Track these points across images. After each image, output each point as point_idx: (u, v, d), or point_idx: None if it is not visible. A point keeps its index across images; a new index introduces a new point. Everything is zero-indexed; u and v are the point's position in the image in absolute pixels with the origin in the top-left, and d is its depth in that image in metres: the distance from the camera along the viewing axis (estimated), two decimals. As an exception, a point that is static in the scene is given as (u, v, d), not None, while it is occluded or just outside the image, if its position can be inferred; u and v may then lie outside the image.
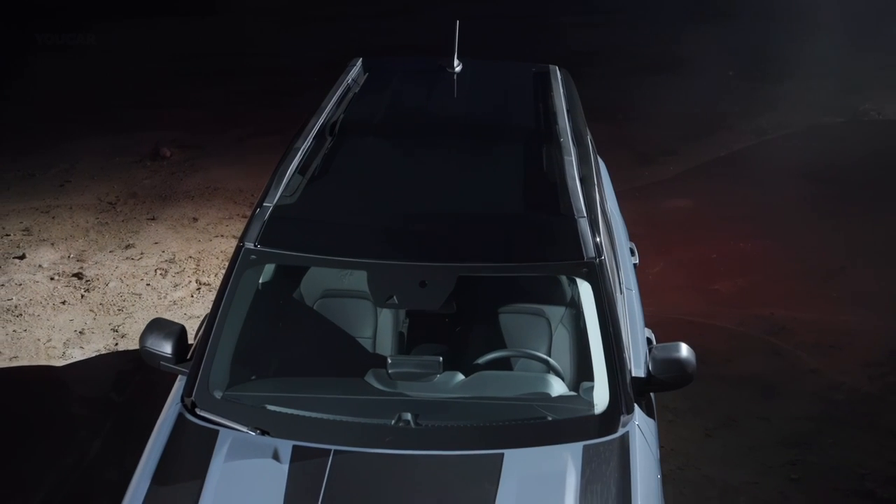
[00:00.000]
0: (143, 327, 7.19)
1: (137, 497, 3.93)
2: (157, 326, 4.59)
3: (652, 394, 4.66)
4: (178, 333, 4.56)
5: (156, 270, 8.11)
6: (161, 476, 4.00)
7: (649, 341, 5.04)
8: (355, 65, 6.27)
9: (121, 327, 7.38)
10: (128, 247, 8.51)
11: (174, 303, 7.64)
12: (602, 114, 10.33)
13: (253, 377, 4.59)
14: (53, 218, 9.00)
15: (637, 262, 6.24)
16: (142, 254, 8.39)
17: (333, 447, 4.06)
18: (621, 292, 5.18)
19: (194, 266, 8.18)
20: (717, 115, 11.51)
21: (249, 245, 4.61)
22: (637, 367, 4.63)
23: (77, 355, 7.07)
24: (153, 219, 9.02)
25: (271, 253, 4.61)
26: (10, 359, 7.00)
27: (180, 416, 4.29)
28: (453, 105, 5.98)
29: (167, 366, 4.52)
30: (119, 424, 6.36)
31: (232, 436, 4.15)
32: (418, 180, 5.13)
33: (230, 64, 13.32)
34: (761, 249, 8.68)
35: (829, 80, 12.35)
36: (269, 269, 5.02)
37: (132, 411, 6.42)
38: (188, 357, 4.55)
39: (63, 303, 7.68)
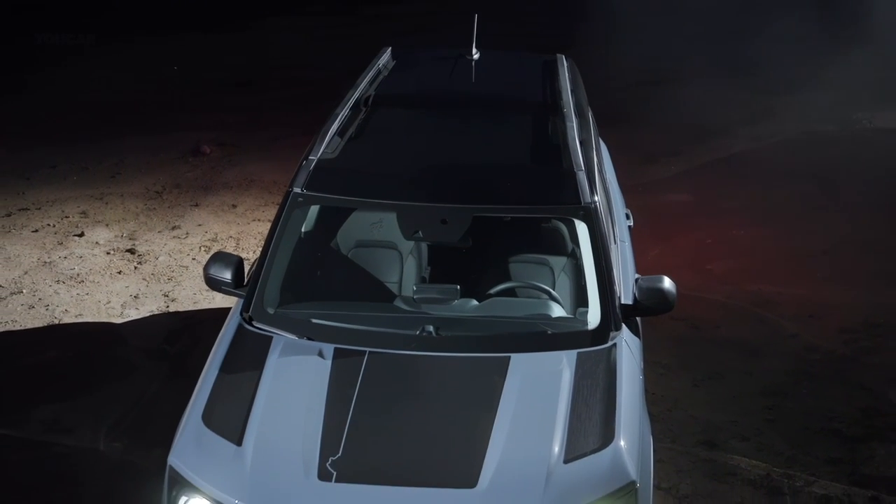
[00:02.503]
0: (190, 294, 8.19)
1: (207, 384, 4.77)
2: (220, 258, 5.44)
3: (639, 318, 5.46)
4: (237, 263, 5.40)
5: (200, 247, 8.97)
6: (227, 368, 4.84)
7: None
8: (385, 52, 7.15)
9: (170, 293, 8.22)
10: (174, 228, 9.38)
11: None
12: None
13: (299, 300, 5.40)
14: (107, 204, 9.89)
15: (632, 224, 7.05)
16: (187, 234, 9.25)
17: (368, 349, 4.89)
18: (615, 243, 6.01)
19: (234, 244, 9.02)
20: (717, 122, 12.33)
21: (297, 190, 5.46)
22: (626, 297, 5.44)
23: (133, 315, 7.92)
24: (196, 205, 9.89)
25: (315, 196, 5.46)
26: (76, 316, 7.85)
27: (240, 327, 5.13)
28: (471, 84, 6.85)
29: (227, 290, 5.36)
30: (173, 370, 7.19)
31: (284, 340, 4.98)
32: (440, 140, 5.99)
33: (263, 74, 14.23)
34: (752, 236, 9.47)
35: (828, 92, 13.12)
36: (310, 219, 5.86)
37: (184, 360, 7.25)
38: (245, 283, 5.39)
39: (119, 272, 8.54)
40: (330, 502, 4.19)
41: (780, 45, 13.97)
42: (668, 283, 5.31)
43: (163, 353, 7.40)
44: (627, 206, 7.85)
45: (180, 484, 4.39)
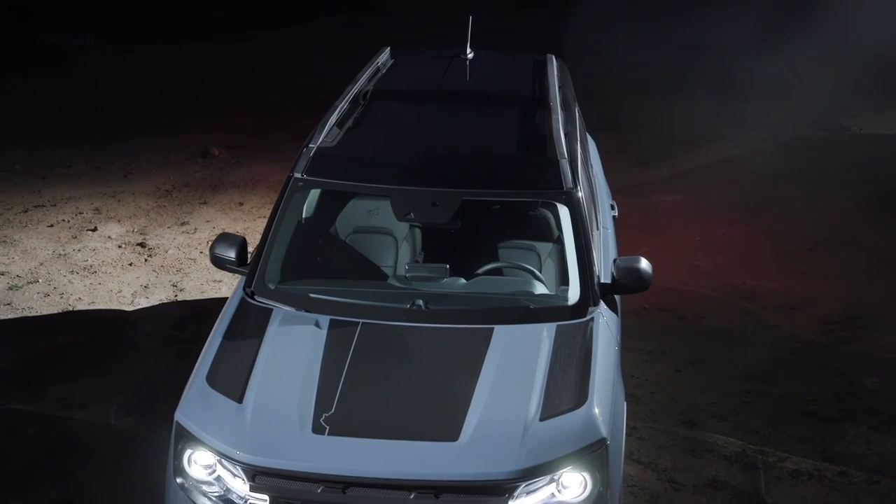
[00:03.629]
0: (198, 284, 8.57)
1: (212, 350, 5.14)
2: (225, 238, 5.81)
3: (617, 297, 5.82)
4: (241, 244, 5.77)
5: (207, 242, 9.34)
6: (230, 336, 5.21)
7: (617, 263, 6.19)
8: (384, 51, 7.54)
9: (179, 283, 8.60)
10: (183, 224, 9.77)
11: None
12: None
13: (298, 278, 5.77)
14: (119, 201, 10.29)
15: (616, 214, 7.42)
16: (195, 229, 9.63)
17: (362, 320, 5.25)
18: (598, 229, 6.38)
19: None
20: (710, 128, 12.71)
21: (297, 175, 5.84)
22: (605, 277, 5.79)
23: (143, 303, 8.30)
24: (204, 203, 10.28)
25: (314, 181, 5.84)
26: (89, 303, 8.24)
27: (242, 301, 5.50)
28: (464, 80, 7.24)
29: (231, 268, 5.73)
30: (180, 353, 7.54)
31: (283, 312, 5.35)
32: (433, 130, 6.37)
33: (271, 81, 14.65)
34: (740, 234, 9.82)
35: (821, 100, 13.49)
36: (310, 205, 6.23)
37: (190, 345, 7.58)
38: (247, 262, 5.76)
39: (130, 264, 8.93)
40: (322, 453, 4.55)
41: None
42: (644, 263, 5.65)
43: (171, 338, 7.76)
44: (620, 204, 8.20)
45: (185, 438, 4.75)
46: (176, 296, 8.42)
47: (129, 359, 7.48)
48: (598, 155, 8.17)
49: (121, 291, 8.45)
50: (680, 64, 14.50)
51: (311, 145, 5.97)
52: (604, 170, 9.18)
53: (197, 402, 4.85)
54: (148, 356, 7.51)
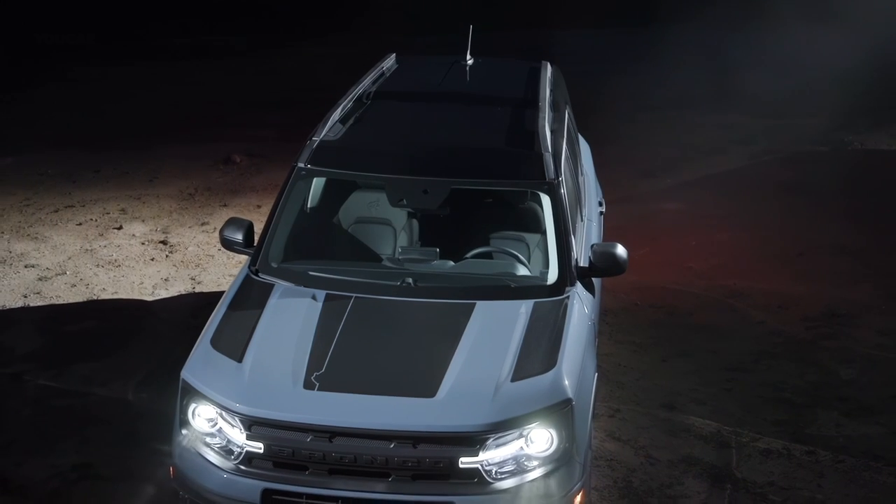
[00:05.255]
0: (215, 278, 9.11)
1: (216, 318, 5.66)
2: (233, 222, 6.33)
3: (595, 280, 6.27)
4: (248, 227, 6.29)
5: (226, 241, 9.88)
6: (233, 306, 5.74)
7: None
8: (390, 57, 8.07)
9: (197, 277, 9.13)
10: (203, 224, 10.31)
11: (240, 262, 9.36)
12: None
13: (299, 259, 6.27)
14: (144, 203, 10.86)
15: (603, 210, 7.88)
16: (215, 229, 10.17)
17: (355, 294, 5.75)
18: (582, 220, 6.86)
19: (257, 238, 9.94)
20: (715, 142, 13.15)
21: (301, 164, 6.36)
22: (584, 262, 6.25)
23: (163, 294, 8.84)
24: (225, 205, 10.83)
25: (316, 170, 6.36)
26: (112, 293, 8.80)
27: (247, 277, 6.02)
28: (461, 83, 7.75)
29: (238, 249, 6.25)
30: (195, 338, 8.03)
31: (283, 286, 5.86)
32: (428, 126, 6.90)
33: (295, 95, 15.23)
34: (734, 239, 10.23)
35: (827, 118, 13.91)
36: (315, 195, 6.74)
37: (206, 331, 8.14)
38: (254, 244, 6.28)
39: (152, 259, 9.48)
40: (312, 406, 5.04)
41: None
42: (620, 249, 6.11)
43: (187, 325, 8.25)
44: (623, 212, 8.72)
45: (190, 393, 5.26)
46: (194, 288, 8.95)
47: (148, 343, 8.01)
48: (590, 156, 8.65)
49: (142, 283, 8.99)
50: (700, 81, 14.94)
51: (314, 138, 6.50)
52: (609, 180, 9.82)
53: (201, 361, 5.36)
54: (165, 340, 8.02)
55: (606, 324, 8.45)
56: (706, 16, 16.73)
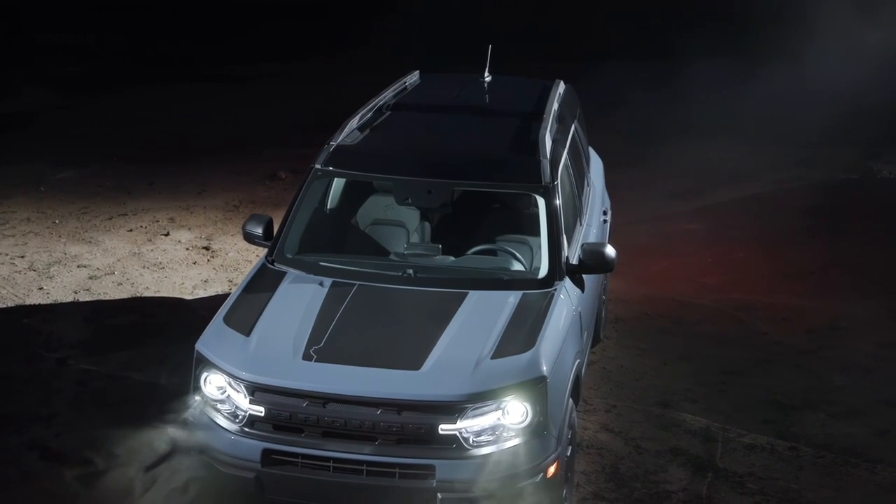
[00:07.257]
0: (251, 281, 9.65)
1: (231, 300, 6.28)
2: (255, 218, 6.95)
3: (584, 275, 6.76)
4: (268, 222, 6.90)
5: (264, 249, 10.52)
6: (248, 290, 6.36)
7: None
8: (414, 73, 8.67)
9: (235, 280, 9.78)
10: (245, 233, 10.98)
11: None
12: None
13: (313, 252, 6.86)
14: (191, 213, 11.58)
15: (608, 219, 8.37)
16: (255, 237, 10.83)
17: (359, 282, 6.32)
18: (580, 224, 7.37)
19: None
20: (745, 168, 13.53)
21: (318, 166, 6.97)
22: (574, 260, 6.74)
23: (201, 294, 9.50)
24: (267, 217, 11.49)
25: (332, 171, 6.97)
26: (155, 292, 9.48)
27: (263, 265, 6.63)
28: (477, 98, 8.33)
29: (259, 242, 6.87)
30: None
31: (294, 274, 6.46)
32: (439, 134, 7.49)
33: (341, 120, 15.90)
34: (750, 258, 10.62)
35: (859, 147, 14.24)
36: (334, 196, 7.36)
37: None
38: (272, 237, 6.88)
39: (194, 263, 10.16)
40: (309, 375, 5.60)
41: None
42: (608, 248, 6.60)
43: (222, 321, 8.91)
44: (646, 231, 9.71)
45: (203, 363, 5.87)
46: (230, 289, 9.58)
47: (184, 335, 8.54)
48: (601, 169, 9.13)
49: (183, 284, 9.66)
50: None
51: (331, 143, 7.11)
52: (638, 201, 10.85)
53: (214, 336, 5.97)
54: (199, 333, 8.46)
55: (615, 330, 8.92)
56: (738, 49, 17.22)
